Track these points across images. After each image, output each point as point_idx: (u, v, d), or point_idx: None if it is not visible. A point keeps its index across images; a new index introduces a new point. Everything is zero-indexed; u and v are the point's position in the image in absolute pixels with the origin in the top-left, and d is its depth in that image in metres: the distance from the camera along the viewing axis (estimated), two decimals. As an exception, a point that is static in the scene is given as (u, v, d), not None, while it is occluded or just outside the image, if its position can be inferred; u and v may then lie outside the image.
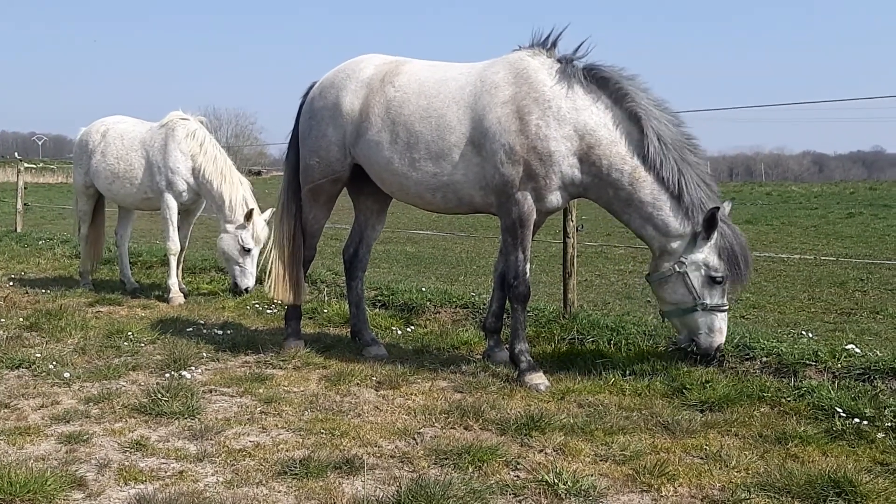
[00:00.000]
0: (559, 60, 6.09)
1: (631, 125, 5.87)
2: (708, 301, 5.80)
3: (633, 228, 6.10)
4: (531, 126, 5.86)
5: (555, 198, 6.05)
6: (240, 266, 9.44)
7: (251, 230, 9.39)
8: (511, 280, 6.17)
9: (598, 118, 5.88)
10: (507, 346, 6.40)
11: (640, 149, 5.83)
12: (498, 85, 6.04)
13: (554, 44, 6.18)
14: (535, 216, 6.09)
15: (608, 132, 5.86)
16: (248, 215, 9.35)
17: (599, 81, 5.96)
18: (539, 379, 5.95)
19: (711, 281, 5.78)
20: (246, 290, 9.46)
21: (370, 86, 6.58)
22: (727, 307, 5.91)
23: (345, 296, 9.25)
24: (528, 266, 6.17)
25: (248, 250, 9.40)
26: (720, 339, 5.85)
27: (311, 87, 7.15)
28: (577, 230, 7.84)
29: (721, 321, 5.85)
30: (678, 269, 5.85)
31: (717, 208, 5.70)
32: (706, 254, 5.78)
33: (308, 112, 7.01)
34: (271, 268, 7.27)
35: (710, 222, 5.71)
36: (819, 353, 5.99)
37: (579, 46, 6.10)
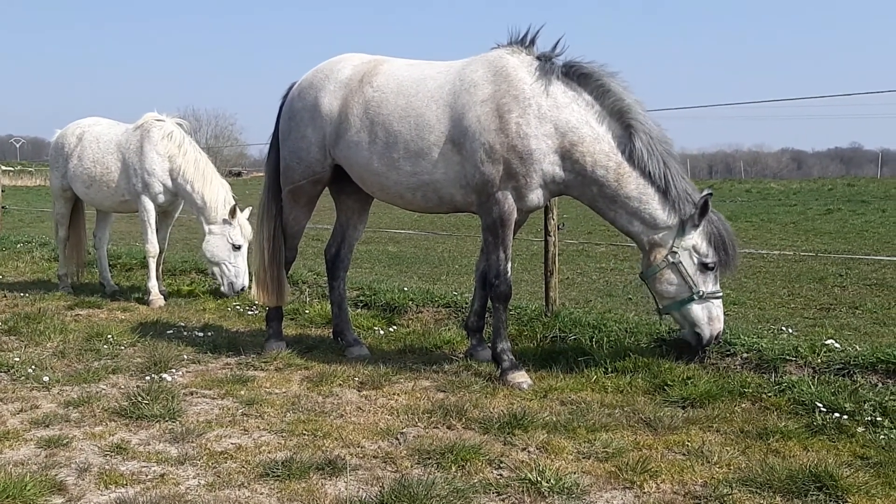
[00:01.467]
0: (538, 58, 6.07)
1: (614, 121, 5.86)
2: (703, 288, 5.85)
3: (618, 225, 6.09)
4: (511, 124, 5.82)
5: (535, 196, 6.04)
6: (231, 265, 9.38)
7: (238, 226, 9.35)
8: (492, 279, 6.15)
9: (579, 115, 5.86)
10: (490, 344, 6.39)
11: (624, 145, 5.83)
12: (477, 83, 6.01)
13: (532, 41, 6.16)
14: (515, 215, 6.06)
15: (591, 129, 5.84)
16: (232, 212, 9.31)
17: (580, 78, 5.95)
18: (521, 377, 5.95)
19: (704, 267, 5.84)
20: (242, 288, 9.39)
21: (349, 86, 6.55)
22: (721, 294, 6.00)
23: (326, 296, 9.23)
24: (509, 265, 6.16)
25: (239, 247, 9.36)
26: (720, 326, 5.92)
27: (290, 88, 7.11)
28: (559, 228, 7.86)
29: (718, 309, 5.92)
30: (671, 260, 5.88)
31: (710, 194, 5.81)
32: (696, 240, 5.85)
33: (287, 113, 6.97)
34: (254, 273, 7.24)
35: (704, 208, 5.79)
36: (799, 348, 6.03)
37: (557, 43, 6.09)
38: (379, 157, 6.34)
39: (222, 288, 9.53)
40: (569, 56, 6.07)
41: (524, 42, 6.17)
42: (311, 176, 6.81)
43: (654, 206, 5.86)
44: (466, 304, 8.14)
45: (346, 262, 7.33)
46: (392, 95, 6.33)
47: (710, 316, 5.89)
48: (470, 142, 5.95)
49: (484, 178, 5.95)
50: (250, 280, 9.26)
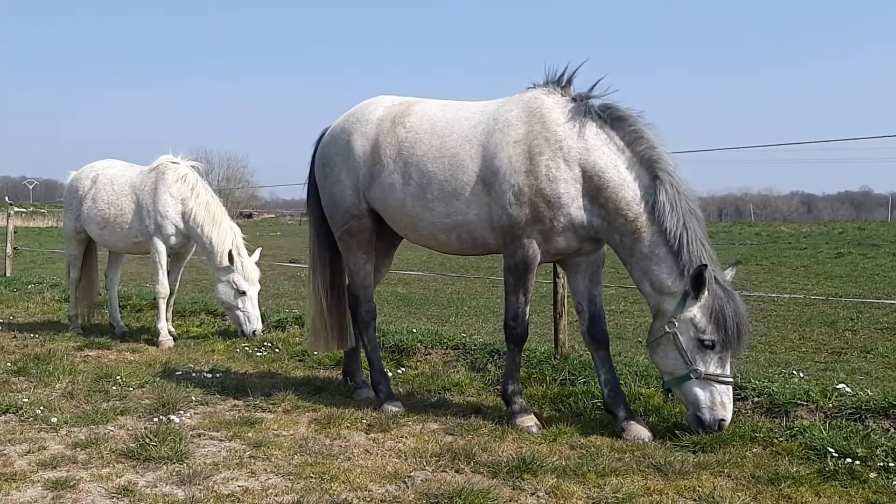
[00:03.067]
0: (574, 99, 5.95)
1: (643, 170, 5.64)
2: (701, 368, 5.43)
3: (634, 280, 5.85)
4: (541, 167, 5.72)
5: (563, 240, 5.87)
6: (241, 311, 9.42)
7: (240, 271, 9.37)
8: (509, 321, 6.05)
9: (608, 159, 5.67)
10: (500, 386, 6.32)
11: (648, 195, 5.59)
12: (511, 123, 5.93)
13: (569, 81, 6.04)
14: (539, 259, 5.95)
15: (617, 175, 5.64)
16: (230, 258, 9.33)
17: (614, 122, 5.77)
18: (530, 421, 5.89)
19: (700, 344, 5.45)
20: (254, 333, 9.42)
21: (381, 127, 6.51)
22: (729, 379, 5.52)
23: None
24: (527, 308, 6.07)
25: (244, 292, 9.37)
26: (725, 414, 5.42)
27: (322, 134, 7.13)
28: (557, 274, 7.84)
29: (723, 395, 5.43)
30: (668, 330, 5.55)
31: (705, 266, 5.38)
32: (694, 313, 5.45)
33: (321, 159, 6.95)
34: (309, 321, 7.23)
35: (698, 280, 5.40)
36: (810, 392, 5.99)
37: (595, 84, 5.95)
38: (413, 199, 6.27)
39: (237, 330, 9.59)
40: (608, 98, 5.92)
41: (560, 82, 6.06)
42: (351, 218, 6.70)
43: (663, 268, 5.58)
44: (475, 345, 8.13)
45: None
46: (426, 136, 6.28)
47: (712, 400, 5.43)
48: (500, 182, 5.85)
49: (511, 221, 5.83)
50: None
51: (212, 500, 4.47)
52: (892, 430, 5.44)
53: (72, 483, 4.68)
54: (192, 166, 10.05)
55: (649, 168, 5.63)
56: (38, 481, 4.75)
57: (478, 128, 6.09)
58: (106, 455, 5.21)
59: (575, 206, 5.73)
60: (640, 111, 5.84)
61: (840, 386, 6.04)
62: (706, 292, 5.42)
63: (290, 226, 58.69)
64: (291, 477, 4.86)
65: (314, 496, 4.49)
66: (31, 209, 54.52)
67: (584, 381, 6.84)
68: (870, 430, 5.40)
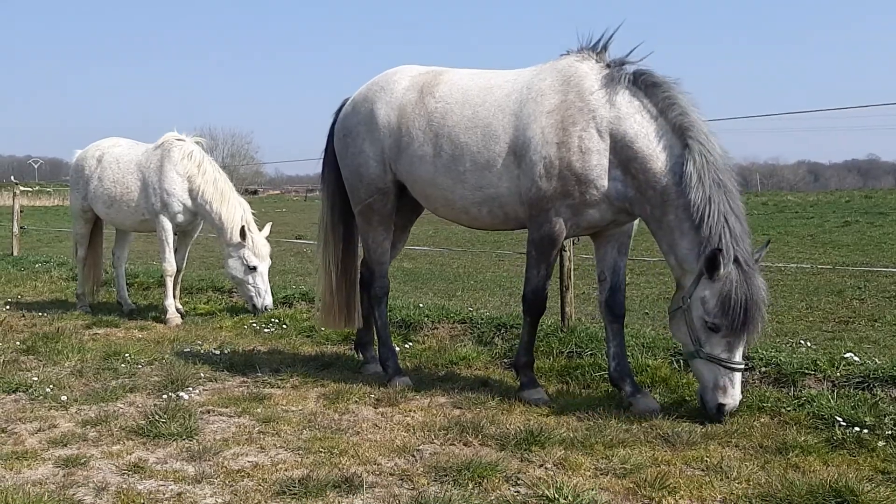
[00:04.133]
0: (608, 65, 5.78)
1: (674, 138, 5.44)
2: (707, 349, 5.28)
3: (662, 252, 5.68)
4: (573, 138, 5.57)
5: (596, 212, 5.71)
6: (251, 286, 9.45)
7: (251, 246, 9.39)
8: (528, 293, 6.00)
9: (639, 128, 5.49)
10: (513, 357, 6.30)
11: (678, 166, 5.37)
12: (544, 92, 5.78)
13: (605, 47, 5.87)
14: (566, 234, 5.85)
15: (648, 144, 5.46)
16: (242, 233, 9.35)
17: (648, 88, 5.58)
18: (538, 394, 5.90)
19: (705, 325, 5.29)
20: (265, 308, 9.46)
21: (407, 97, 6.35)
22: (739, 366, 5.29)
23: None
24: (548, 282, 6.00)
25: (254, 268, 9.40)
26: (725, 399, 5.23)
27: (342, 105, 6.98)
28: (574, 243, 7.84)
29: (726, 379, 5.24)
30: (682, 305, 5.44)
31: (720, 250, 5.14)
32: (705, 294, 5.26)
33: (342, 130, 6.80)
34: (318, 297, 7.17)
35: (710, 262, 5.17)
36: (818, 362, 5.99)
37: (632, 51, 5.76)
38: (444, 171, 6.13)
39: (247, 305, 9.62)
40: (644, 64, 5.71)
41: (595, 48, 5.89)
42: (374, 192, 6.55)
43: (685, 244, 5.39)
44: (482, 319, 8.14)
45: None
46: (457, 106, 6.12)
47: (715, 383, 5.26)
48: (531, 154, 5.71)
49: (539, 194, 5.71)
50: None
51: (222, 475, 4.49)
52: (899, 398, 5.44)
53: (83, 461, 4.71)
54: (198, 143, 10.04)
55: (681, 136, 5.42)
56: (50, 459, 4.78)
57: (511, 97, 5.94)
58: (116, 432, 5.25)
59: (607, 177, 5.59)
60: (677, 78, 5.65)
61: (848, 355, 6.04)
62: (720, 275, 5.19)
63: (296, 202, 58.68)
64: (301, 452, 4.88)
65: (323, 470, 4.51)
66: (37, 188, 54.57)
67: (591, 354, 6.84)
68: (878, 398, 5.41)
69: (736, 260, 5.23)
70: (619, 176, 5.59)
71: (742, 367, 5.37)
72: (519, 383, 6.04)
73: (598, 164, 5.57)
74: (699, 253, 5.30)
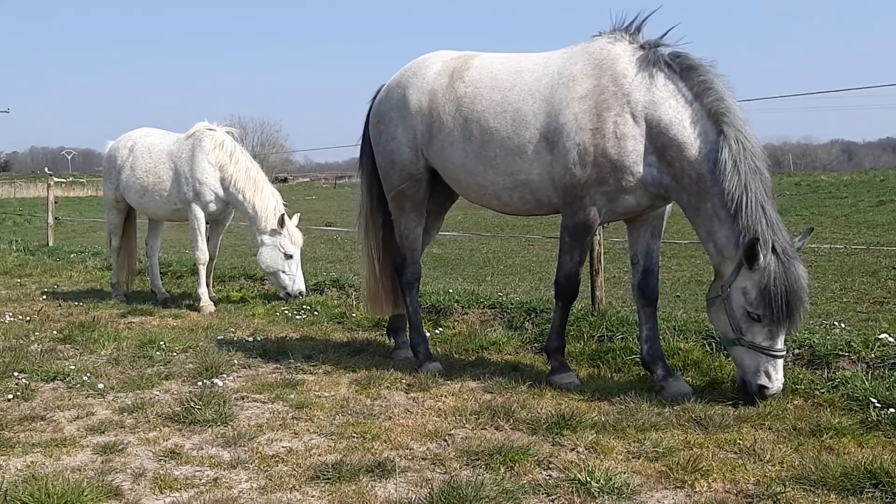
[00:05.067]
0: (642, 46, 5.64)
1: (710, 124, 5.32)
2: (748, 337, 5.22)
3: (701, 241, 5.61)
4: (608, 124, 5.47)
5: (632, 199, 5.62)
6: (286, 274, 9.53)
7: (287, 235, 9.47)
8: (561, 278, 5.96)
9: (674, 114, 5.38)
10: (545, 342, 6.29)
11: (713, 152, 5.27)
12: (576, 77, 5.66)
13: (639, 28, 5.74)
14: (600, 221, 5.80)
15: (682, 131, 5.36)
16: (281, 221, 9.44)
17: (684, 71, 5.45)
18: (569, 378, 5.89)
19: (747, 315, 5.21)
20: (300, 293, 9.55)
21: (438, 82, 6.31)
22: (780, 352, 5.23)
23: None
24: (580, 268, 5.97)
25: (291, 255, 9.48)
26: (767, 383, 5.19)
27: (378, 91, 6.95)
28: (604, 227, 7.80)
29: (769, 365, 5.19)
30: (722, 294, 5.34)
31: (757, 239, 5.06)
32: (745, 284, 5.18)
33: (376, 116, 6.78)
34: (365, 285, 7.18)
35: (749, 253, 5.09)
36: (852, 343, 5.93)
37: (667, 32, 5.64)
38: (475, 156, 6.07)
39: (280, 293, 9.70)
40: (680, 46, 5.60)
41: (629, 29, 5.75)
42: (407, 178, 6.53)
43: (724, 232, 5.30)
44: (512, 304, 8.14)
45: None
46: (486, 90, 6.05)
47: (757, 368, 5.21)
48: (564, 140, 5.61)
49: (573, 181, 5.63)
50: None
51: (256, 460, 4.55)
52: (936, 379, 5.38)
53: (120, 447, 4.79)
54: (229, 132, 10.12)
55: (716, 122, 5.30)
56: (88, 446, 4.87)
57: (541, 81, 5.83)
58: (152, 419, 5.32)
59: (644, 163, 5.49)
60: (713, 61, 5.52)
61: (882, 336, 5.97)
62: (761, 263, 5.10)
63: (325, 189, 58.93)
64: (334, 437, 4.93)
65: (356, 455, 4.55)
66: (71, 179, 55.23)
67: (622, 338, 6.83)
68: (913, 379, 5.35)
69: (774, 249, 5.13)
70: (654, 162, 5.49)
71: (784, 353, 5.30)
72: (550, 367, 6.04)
73: (634, 150, 5.47)
74: (738, 242, 5.21)
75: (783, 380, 5.27)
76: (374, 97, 6.97)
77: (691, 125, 5.36)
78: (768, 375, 5.19)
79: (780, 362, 5.25)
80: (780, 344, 5.22)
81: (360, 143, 7.16)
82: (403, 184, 6.57)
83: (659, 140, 5.43)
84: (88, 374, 6.42)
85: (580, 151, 5.56)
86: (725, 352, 5.90)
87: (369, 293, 7.11)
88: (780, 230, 5.21)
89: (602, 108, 5.50)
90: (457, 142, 6.15)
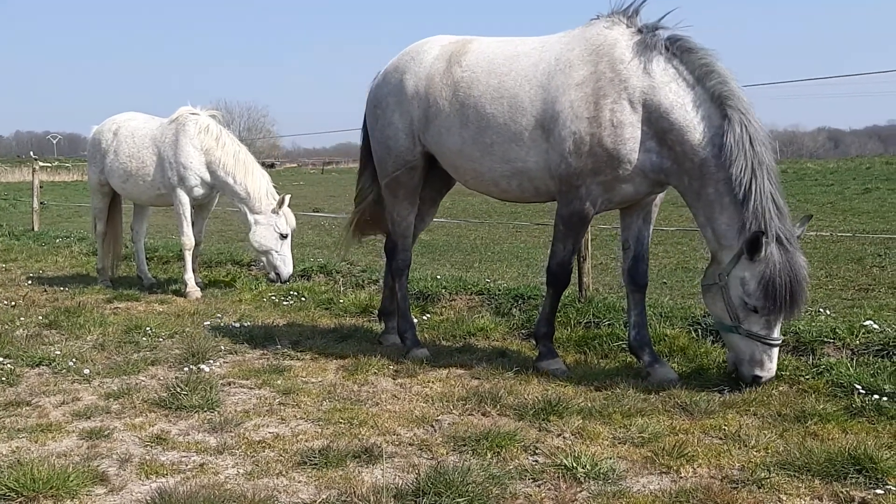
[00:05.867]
0: (640, 30, 5.53)
1: (713, 108, 5.21)
2: (746, 326, 5.19)
3: (698, 225, 5.52)
4: (605, 111, 5.36)
5: (630, 187, 5.54)
6: (278, 253, 9.49)
7: (284, 216, 9.44)
8: (553, 266, 5.90)
9: (675, 98, 5.27)
10: (533, 327, 6.28)
11: (717, 137, 5.16)
12: (573, 63, 5.54)
13: (636, 11, 5.62)
14: (596, 212, 5.71)
15: (684, 115, 5.25)
16: (281, 202, 9.41)
17: (684, 55, 5.34)
18: (557, 364, 5.89)
19: (745, 305, 5.18)
20: (289, 276, 9.53)
21: (435, 67, 6.21)
22: (777, 341, 5.23)
23: (360, 286, 9.32)
24: (573, 256, 5.94)
25: (285, 236, 9.46)
26: (762, 373, 5.19)
27: (377, 76, 6.84)
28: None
29: (764, 354, 5.18)
30: (719, 282, 5.29)
31: (762, 233, 4.99)
32: (745, 275, 5.12)
33: (373, 101, 6.68)
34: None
35: (752, 245, 5.02)
36: (837, 330, 5.97)
37: (665, 15, 5.52)
38: (472, 142, 5.97)
39: (270, 275, 9.69)
40: (679, 30, 5.48)
41: (626, 12, 5.64)
42: (403, 165, 6.46)
43: (724, 218, 5.22)
44: (499, 291, 8.15)
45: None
46: (483, 75, 5.94)
47: (752, 357, 5.21)
48: (559, 128, 5.52)
49: (569, 170, 5.54)
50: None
51: (243, 446, 4.54)
52: (919, 365, 5.42)
53: (106, 433, 4.78)
54: (213, 116, 10.05)
55: (720, 106, 5.19)
56: (74, 431, 4.85)
57: (538, 66, 5.73)
58: (138, 405, 5.31)
59: (642, 150, 5.39)
60: (713, 48, 5.41)
61: (867, 322, 6.01)
62: (761, 257, 5.04)
63: (313, 175, 58.75)
64: (321, 422, 4.93)
65: (343, 441, 4.56)
66: (56, 164, 54.80)
67: (609, 324, 6.85)
68: (897, 366, 5.39)
69: (778, 239, 5.08)
70: (654, 147, 5.39)
71: (780, 341, 5.31)
72: (538, 353, 6.05)
73: (631, 138, 5.38)
74: (739, 229, 5.14)
75: (775, 368, 5.28)
76: (374, 81, 6.87)
77: (694, 108, 5.25)
78: (762, 364, 5.20)
79: (776, 350, 5.25)
80: (776, 333, 5.21)
81: (362, 127, 7.07)
82: (399, 170, 6.50)
83: (659, 124, 5.32)
84: (74, 360, 6.39)
85: (576, 140, 5.46)
86: (714, 338, 5.93)
87: (349, 225, 7.35)
88: (784, 219, 5.15)
89: (599, 96, 5.40)
90: (454, 127, 6.06)
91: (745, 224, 5.10)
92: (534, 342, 6.20)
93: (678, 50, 5.37)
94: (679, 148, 5.29)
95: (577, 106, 5.46)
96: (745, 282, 5.13)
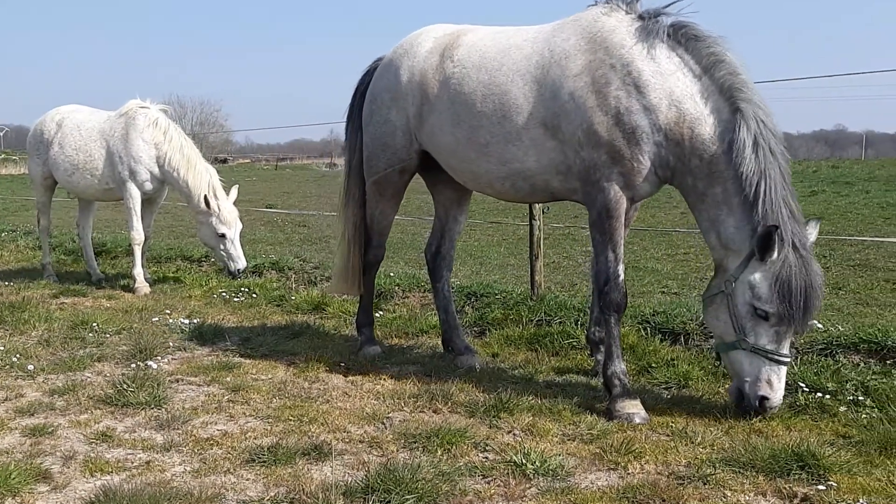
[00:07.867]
0: (641, 16, 5.09)
1: (722, 100, 4.79)
2: (752, 339, 4.70)
3: (701, 230, 5.04)
4: (610, 99, 4.91)
5: (647, 185, 5.08)
6: (223, 252, 9.39)
7: (217, 214, 9.30)
8: (602, 286, 5.12)
9: (684, 87, 4.84)
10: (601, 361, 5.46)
11: (727, 132, 4.74)
12: (569, 53, 5.13)
13: None
14: (624, 204, 5.07)
15: (694, 106, 4.82)
16: (206, 201, 9.24)
17: (689, 43, 4.90)
18: (634, 408, 4.91)
19: (754, 312, 4.70)
20: (238, 271, 9.44)
21: (429, 61, 5.83)
22: (785, 359, 4.73)
23: (313, 282, 9.26)
24: (620, 267, 5.12)
25: (223, 235, 9.32)
26: (769, 393, 4.68)
27: (372, 66, 6.51)
28: (543, 212, 7.86)
29: (772, 372, 4.68)
30: (724, 290, 4.82)
31: (776, 227, 4.57)
32: (755, 277, 4.68)
33: (369, 95, 6.32)
34: (335, 261, 6.87)
35: (765, 241, 4.59)
36: (782, 329, 6.05)
37: (669, 3, 5.10)
38: (466, 143, 5.59)
39: (223, 271, 9.69)
40: (682, 17, 5.03)
41: None
42: (396, 164, 6.13)
43: (732, 221, 4.78)
44: (453, 288, 8.14)
45: (448, 260, 6.55)
46: (473, 70, 5.54)
47: (758, 377, 4.70)
48: (567, 124, 5.09)
49: (585, 165, 5.07)
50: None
51: (191, 443, 4.49)
52: (861, 364, 5.55)
53: (50, 430, 4.69)
54: (163, 110, 9.91)
55: (730, 99, 4.77)
56: (17, 428, 4.76)
57: (531, 59, 5.31)
58: (84, 401, 5.22)
59: (653, 141, 4.92)
60: (721, 35, 4.97)
61: (811, 322, 6.10)
62: (775, 256, 4.63)
63: (266, 171, 58.17)
64: (270, 420, 4.89)
65: (293, 438, 4.53)
66: (3, 156, 53.72)
67: (560, 322, 6.89)
68: (840, 364, 5.51)
69: (792, 244, 4.68)
70: (662, 142, 4.93)
71: (790, 360, 4.87)
72: (610, 395, 5.08)
73: (642, 124, 4.91)
74: (750, 232, 4.72)
75: (783, 392, 4.79)
76: (367, 72, 6.55)
77: (702, 101, 4.83)
78: (770, 384, 4.69)
79: (784, 370, 4.77)
80: (785, 349, 4.75)
81: (345, 116, 6.67)
82: (390, 168, 6.18)
83: (670, 114, 4.87)
84: (18, 356, 6.27)
85: (585, 132, 5.02)
86: (662, 336, 5.96)
87: (339, 272, 6.68)
88: (799, 223, 4.80)
89: (601, 84, 4.97)
90: (446, 126, 5.69)
91: (755, 228, 4.69)
92: (604, 386, 5.22)
93: (683, 37, 4.94)
94: (688, 143, 4.86)
95: (578, 97, 5.04)
96: (756, 285, 4.67)
